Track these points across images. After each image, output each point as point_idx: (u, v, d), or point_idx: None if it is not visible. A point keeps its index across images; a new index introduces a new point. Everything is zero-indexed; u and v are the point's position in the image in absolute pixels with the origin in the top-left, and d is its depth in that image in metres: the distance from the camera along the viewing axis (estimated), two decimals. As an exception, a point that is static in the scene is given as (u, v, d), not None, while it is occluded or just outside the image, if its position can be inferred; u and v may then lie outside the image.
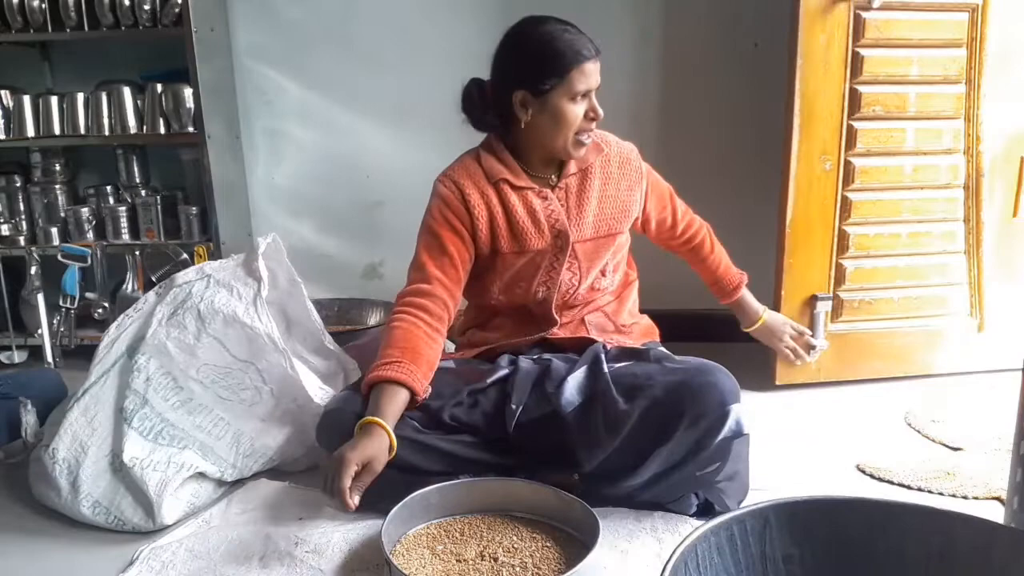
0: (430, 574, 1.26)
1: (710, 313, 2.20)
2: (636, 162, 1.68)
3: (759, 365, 2.11)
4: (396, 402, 1.40)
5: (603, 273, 1.67)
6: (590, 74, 1.49)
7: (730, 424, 1.36)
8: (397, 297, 1.56)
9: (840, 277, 2.08)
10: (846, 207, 2.04)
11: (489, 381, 1.53)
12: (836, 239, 2.05)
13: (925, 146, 2.03)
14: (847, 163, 2.01)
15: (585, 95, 1.51)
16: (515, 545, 1.32)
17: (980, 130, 2.02)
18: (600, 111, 1.53)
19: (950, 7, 1.96)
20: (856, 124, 1.99)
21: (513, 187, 1.59)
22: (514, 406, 1.47)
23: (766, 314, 1.90)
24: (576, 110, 1.51)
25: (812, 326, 2.06)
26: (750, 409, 1.43)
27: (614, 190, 1.64)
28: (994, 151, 2.04)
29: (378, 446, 1.32)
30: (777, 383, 2.09)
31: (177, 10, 2.28)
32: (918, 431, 1.86)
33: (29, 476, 1.60)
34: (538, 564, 1.27)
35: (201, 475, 1.55)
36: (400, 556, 1.30)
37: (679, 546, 0.88)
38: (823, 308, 2.06)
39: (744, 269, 1.91)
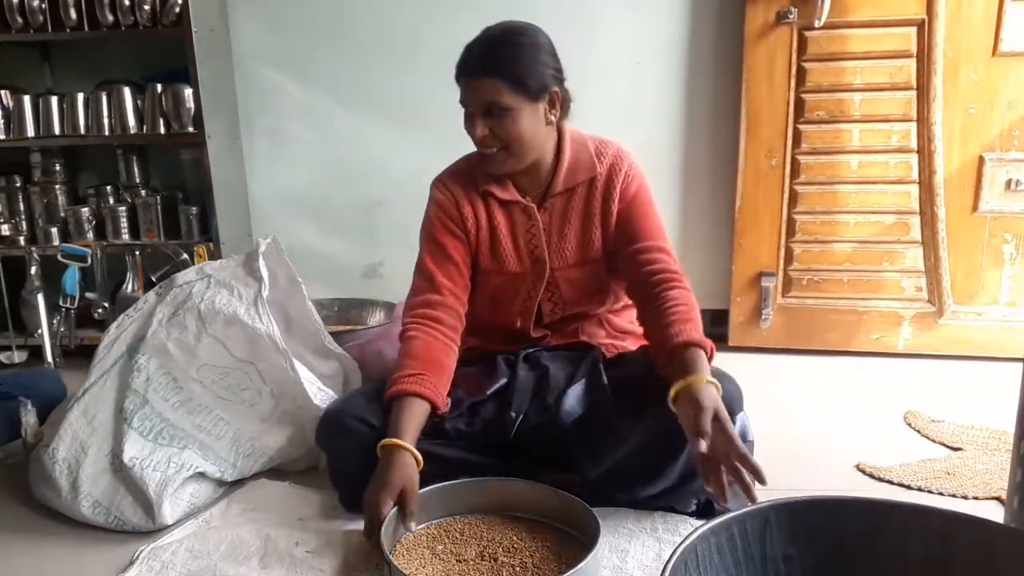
0: (430, 574, 1.26)
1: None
2: (621, 182, 1.53)
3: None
4: (417, 417, 1.38)
5: (594, 300, 1.61)
6: (465, 91, 1.45)
7: (737, 431, 1.32)
8: (406, 307, 1.54)
9: (788, 257, 2.41)
10: (794, 198, 2.36)
11: (488, 393, 1.52)
12: (785, 224, 2.38)
13: (872, 145, 2.29)
14: (794, 160, 2.33)
15: (471, 111, 1.46)
16: (515, 545, 1.32)
17: (932, 131, 2.23)
18: (474, 135, 1.46)
19: (895, 23, 2.21)
20: (802, 127, 2.31)
21: (499, 201, 1.55)
22: (514, 414, 1.46)
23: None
24: (465, 124, 1.48)
25: (762, 298, 2.40)
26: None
27: (596, 212, 1.54)
28: (950, 150, 2.24)
29: (404, 472, 1.31)
30: (731, 344, 2.45)
31: (177, 10, 2.28)
32: (918, 431, 1.86)
33: (29, 476, 1.60)
34: (538, 564, 1.27)
35: (201, 475, 1.55)
36: (400, 556, 1.30)
37: (679, 546, 0.88)
38: (769, 283, 2.40)
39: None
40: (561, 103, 1.50)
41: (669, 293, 1.41)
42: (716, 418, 1.19)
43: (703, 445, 1.16)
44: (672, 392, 1.25)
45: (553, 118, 1.50)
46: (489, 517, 1.41)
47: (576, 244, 1.56)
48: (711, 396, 1.22)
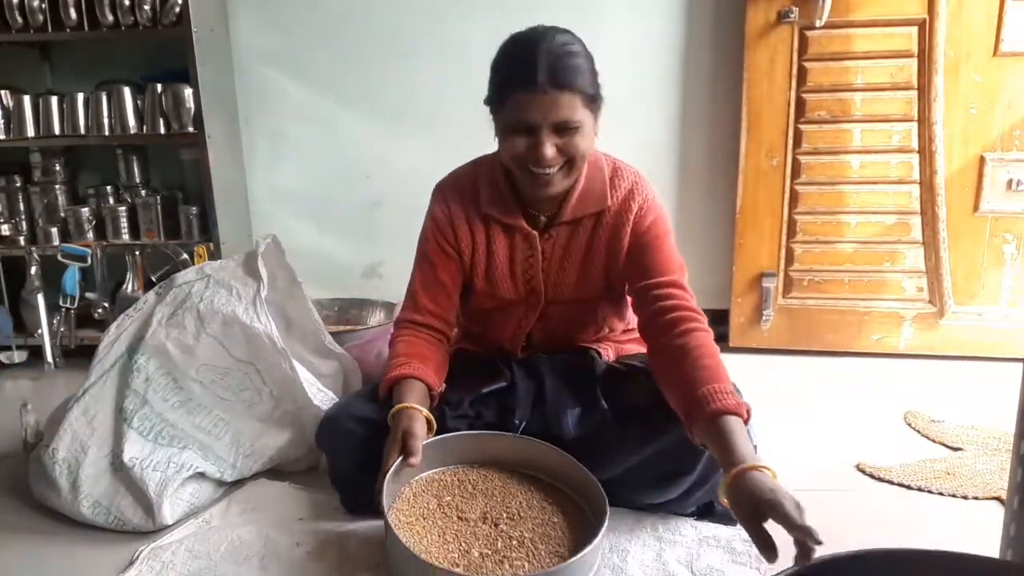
0: (427, 527, 1.25)
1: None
2: (633, 217, 1.44)
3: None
4: (415, 391, 1.39)
5: (588, 331, 1.59)
6: (527, 108, 1.28)
7: None
8: (394, 323, 1.57)
9: (789, 258, 2.41)
10: (795, 198, 2.36)
11: (485, 391, 1.52)
12: (786, 225, 2.38)
13: (873, 145, 2.29)
14: (795, 160, 2.33)
15: (529, 130, 1.30)
16: (521, 513, 1.31)
17: (933, 131, 2.22)
18: (542, 155, 1.29)
19: (896, 23, 2.21)
20: (803, 127, 2.31)
21: (501, 224, 1.48)
22: (517, 421, 1.46)
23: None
24: (515, 143, 1.32)
25: (763, 299, 2.39)
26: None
27: (601, 248, 1.47)
28: (951, 150, 2.24)
29: (406, 422, 1.31)
30: (731, 345, 2.45)
31: (177, 10, 2.27)
32: (918, 431, 1.86)
33: (29, 476, 1.60)
34: (535, 542, 1.24)
35: (201, 475, 1.55)
36: (406, 501, 1.29)
37: None
38: (769, 284, 2.40)
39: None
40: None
41: (689, 340, 1.30)
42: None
43: (815, 553, 0.96)
44: (727, 479, 1.10)
45: (598, 129, 1.39)
46: (506, 475, 1.41)
47: (575, 279, 1.50)
48: (783, 491, 1.04)
